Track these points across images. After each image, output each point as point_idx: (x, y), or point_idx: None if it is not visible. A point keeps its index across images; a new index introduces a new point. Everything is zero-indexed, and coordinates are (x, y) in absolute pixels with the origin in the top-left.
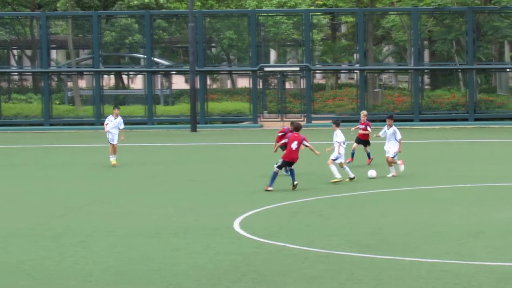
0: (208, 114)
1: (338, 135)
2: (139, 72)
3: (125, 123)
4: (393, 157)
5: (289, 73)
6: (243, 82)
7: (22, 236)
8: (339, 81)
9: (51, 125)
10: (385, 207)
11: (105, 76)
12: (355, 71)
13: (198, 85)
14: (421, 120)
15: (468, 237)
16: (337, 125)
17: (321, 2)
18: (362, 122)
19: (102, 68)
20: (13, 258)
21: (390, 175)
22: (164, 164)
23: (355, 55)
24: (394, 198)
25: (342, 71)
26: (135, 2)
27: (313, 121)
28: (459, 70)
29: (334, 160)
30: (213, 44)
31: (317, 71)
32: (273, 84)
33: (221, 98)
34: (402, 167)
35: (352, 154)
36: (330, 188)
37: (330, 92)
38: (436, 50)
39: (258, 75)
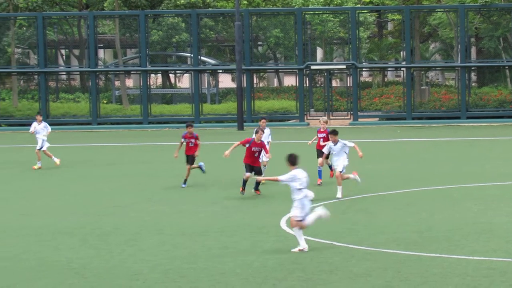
0: (254, 112)
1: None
2: (186, 71)
3: (172, 122)
4: (341, 172)
5: (335, 71)
6: (290, 81)
7: (71, 234)
8: (385, 79)
9: (98, 124)
10: (431, 205)
11: (152, 75)
12: (402, 69)
13: (244, 84)
14: (468, 118)
15: None
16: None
17: (367, 0)
18: (322, 130)
19: (149, 67)
20: (62, 256)
21: (339, 194)
22: (211, 163)
23: (401, 52)
24: (440, 195)
25: (389, 69)
26: (182, 1)
27: (359, 119)
28: (506, 67)
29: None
30: (259, 43)
31: (364, 69)
32: (319, 82)
33: (267, 97)
34: (357, 178)
35: (320, 173)
36: (375, 186)
37: (377, 90)
38: (483, 47)
39: (304, 73)
